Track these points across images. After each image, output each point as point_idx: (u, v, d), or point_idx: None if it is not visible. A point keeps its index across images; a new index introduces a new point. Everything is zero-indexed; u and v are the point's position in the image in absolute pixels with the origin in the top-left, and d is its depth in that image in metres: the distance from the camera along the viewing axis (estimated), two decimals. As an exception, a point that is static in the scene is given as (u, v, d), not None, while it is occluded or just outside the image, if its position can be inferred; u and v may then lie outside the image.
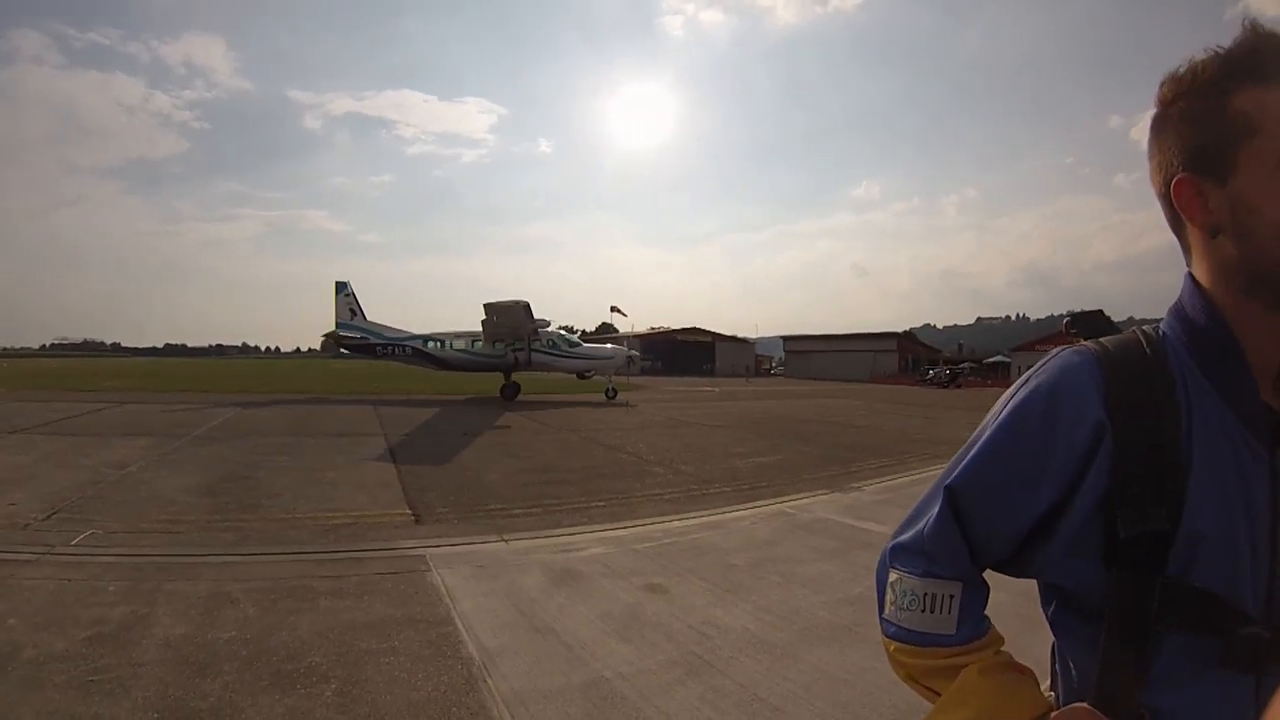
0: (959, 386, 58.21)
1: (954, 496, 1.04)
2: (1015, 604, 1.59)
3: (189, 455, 11.53)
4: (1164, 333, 1.01)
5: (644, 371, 69.77)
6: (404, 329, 29.94)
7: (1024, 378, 1.04)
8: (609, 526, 7.62)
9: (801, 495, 9.60)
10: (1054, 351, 1.03)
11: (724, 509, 8.65)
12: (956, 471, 1.05)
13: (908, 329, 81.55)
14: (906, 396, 39.04)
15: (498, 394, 27.53)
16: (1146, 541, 0.88)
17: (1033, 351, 67.11)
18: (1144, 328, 1.04)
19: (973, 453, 1.04)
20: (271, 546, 6.46)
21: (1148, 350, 0.97)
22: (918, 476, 11.20)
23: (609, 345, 30.27)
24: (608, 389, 28.23)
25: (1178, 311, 1.01)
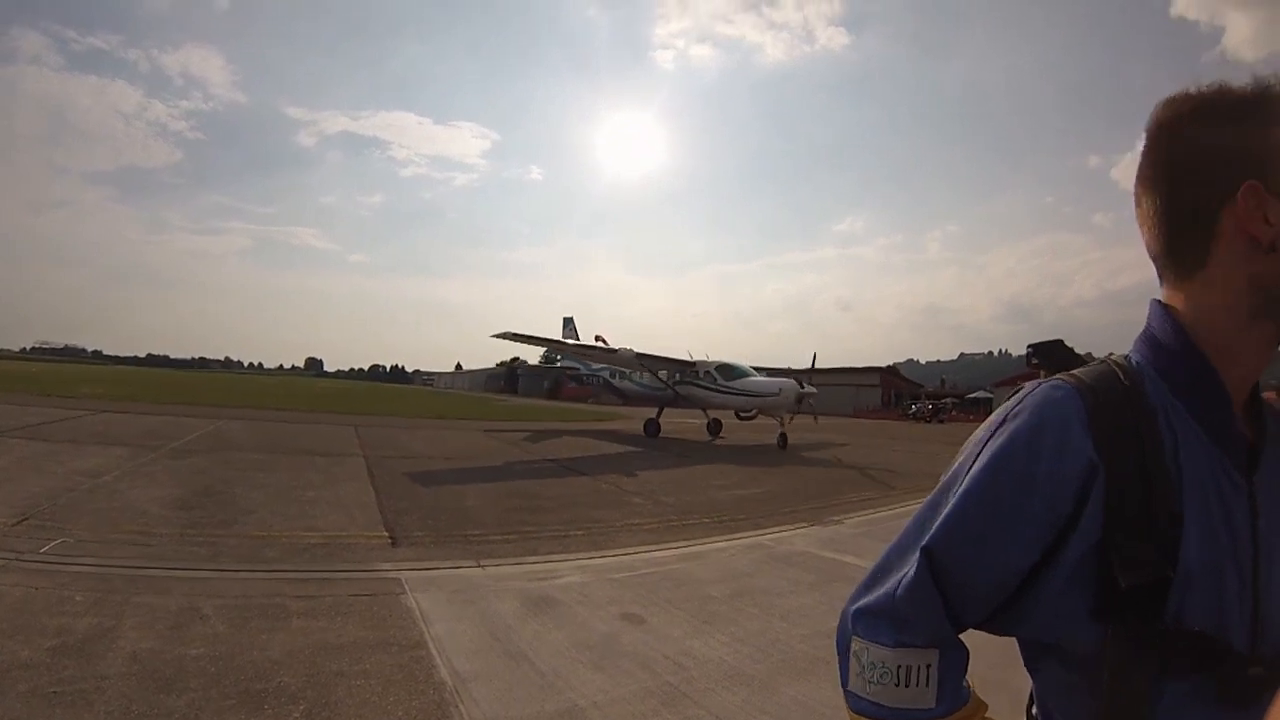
0: (942, 421, 58.60)
1: (932, 558, 0.94)
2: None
3: (165, 467, 11.38)
4: (1136, 362, 0.98)
5: (623, 401, 69.55)
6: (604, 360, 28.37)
7: (997, 416, 0.98)
8: (587, 555, 7.58)
9: (781, 528, 9.59)
10: (1027, 387, 0.98)
11: (703, 540, 8.63)
12: (934, 529, 0.95)
13: (891, 363, 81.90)
14: (890, 431, 39.18)
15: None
16: (1147, 589, 0.83)
17: (1015, 387, 67.94)
18: (1113, 357, 1.01)
19: (951, 506, 0.94)
20: (245, 563, 6.37)
21: (1125, 381, 0.93)
22: (899, 510, 11.24)
23: (778, 379, 24.34)
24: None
25: (1149, 339, 0.99)
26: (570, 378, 31.33)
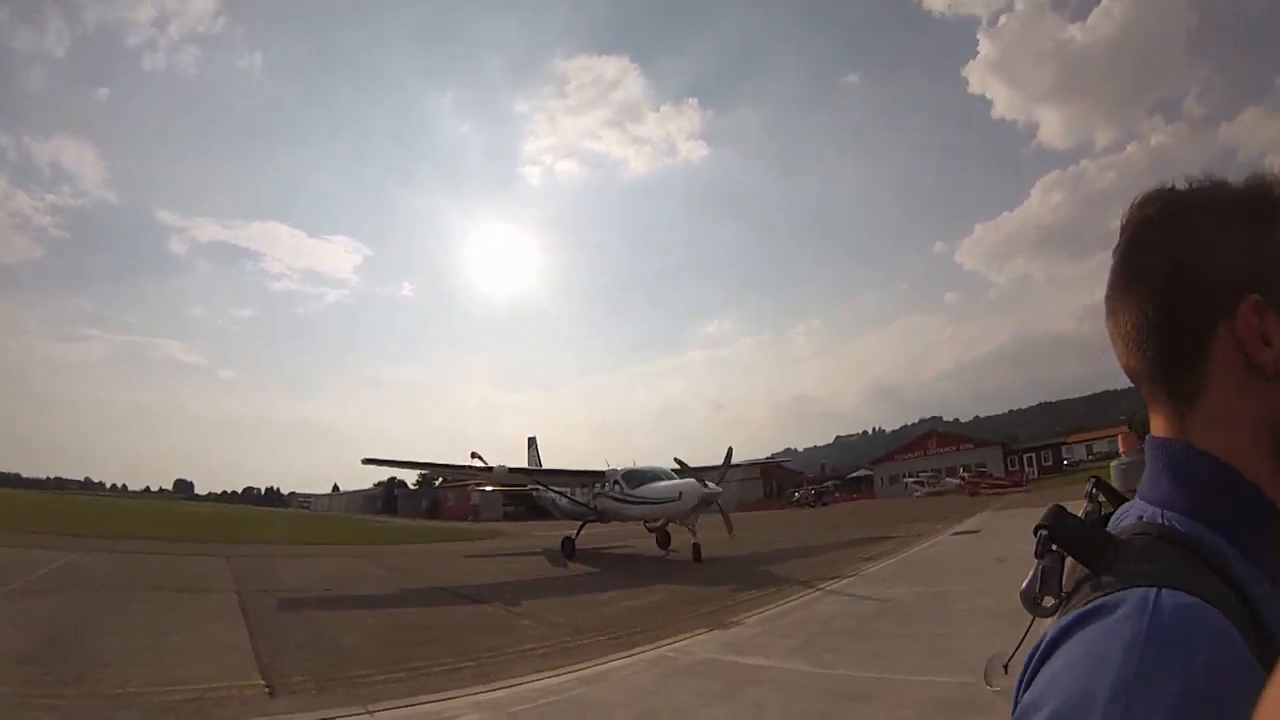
0: (825, 504, 60.24)
1: None
2: None
3: (5, 612, 10.19)
4: (1172, 524, 0.78)
5: (506, 517, 68.07)
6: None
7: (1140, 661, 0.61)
8: (481, 688, 7.25)
9: (680, 636, 9.52)
10: (1139, 602, 0.66)
11: (601, 659, 8.44)
12: None
13: (770, 455, 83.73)
14: (775, 521, 39.68)
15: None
16: None
17: (893, 461, 70.65)
18: (1143, 525, 0.81)
19: None
20: (95, 729, 5.75)
21: (1197, 557, 0.73)
22: (796, 602, 11.36)
23: (679, 481, 20.68)
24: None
25: (1191, 491, 0.80)
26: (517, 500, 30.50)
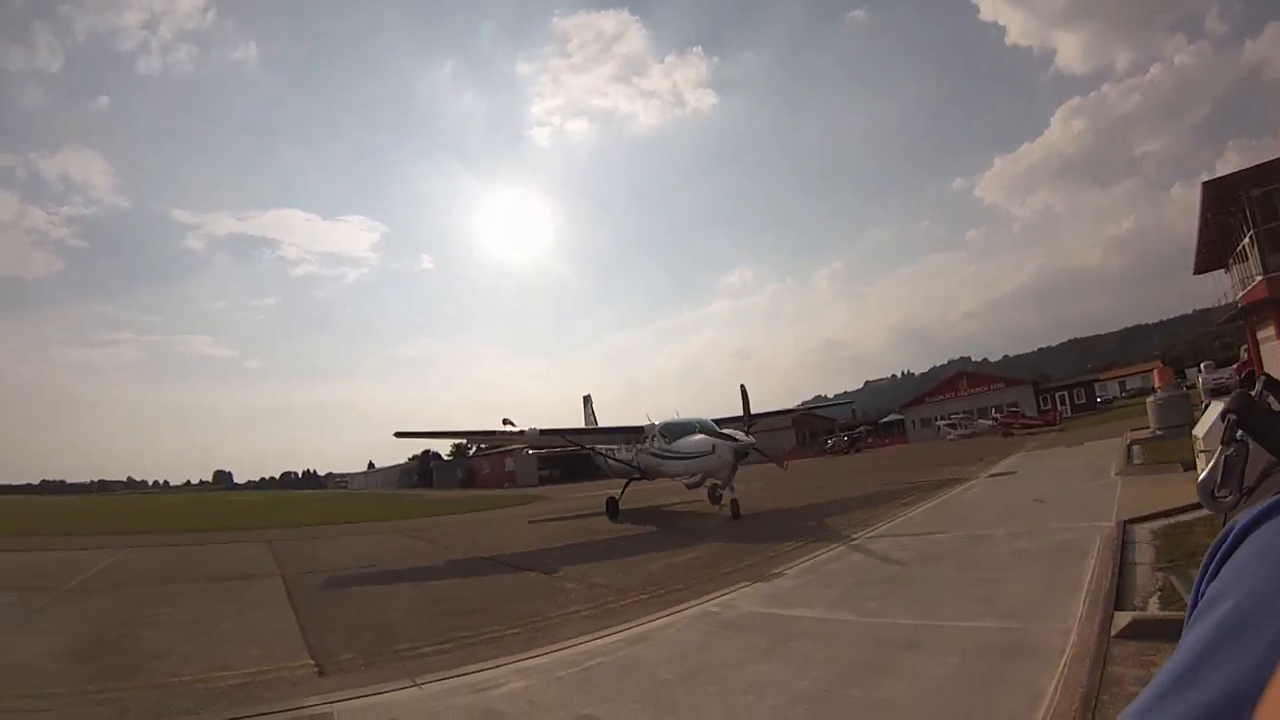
0: (858, 450, 59.97)
1: None
2: None
3: (58, 613, 10.43)
4: None
5: (542, 481, 68.55)
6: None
7: None
8: (527, 655, 7.24)
9: (723, 591, 9.47)
10: None
11: (645, 618, 8.39)
12: None
13: (800, 403, 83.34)
14: (809, 469, 39.63)
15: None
16: None
17: (924, 405, 70.09)
18: None
19: None
20: (155, 719, 5.82)
21: None
22: (836, 552, 11.34)
23: (698, 437, 19.33)
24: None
25: None
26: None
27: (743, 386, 20.04)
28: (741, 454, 18.68)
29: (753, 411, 21.95)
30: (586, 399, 32.58)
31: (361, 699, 6.14)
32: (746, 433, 19.42)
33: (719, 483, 19.57)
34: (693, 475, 20.40)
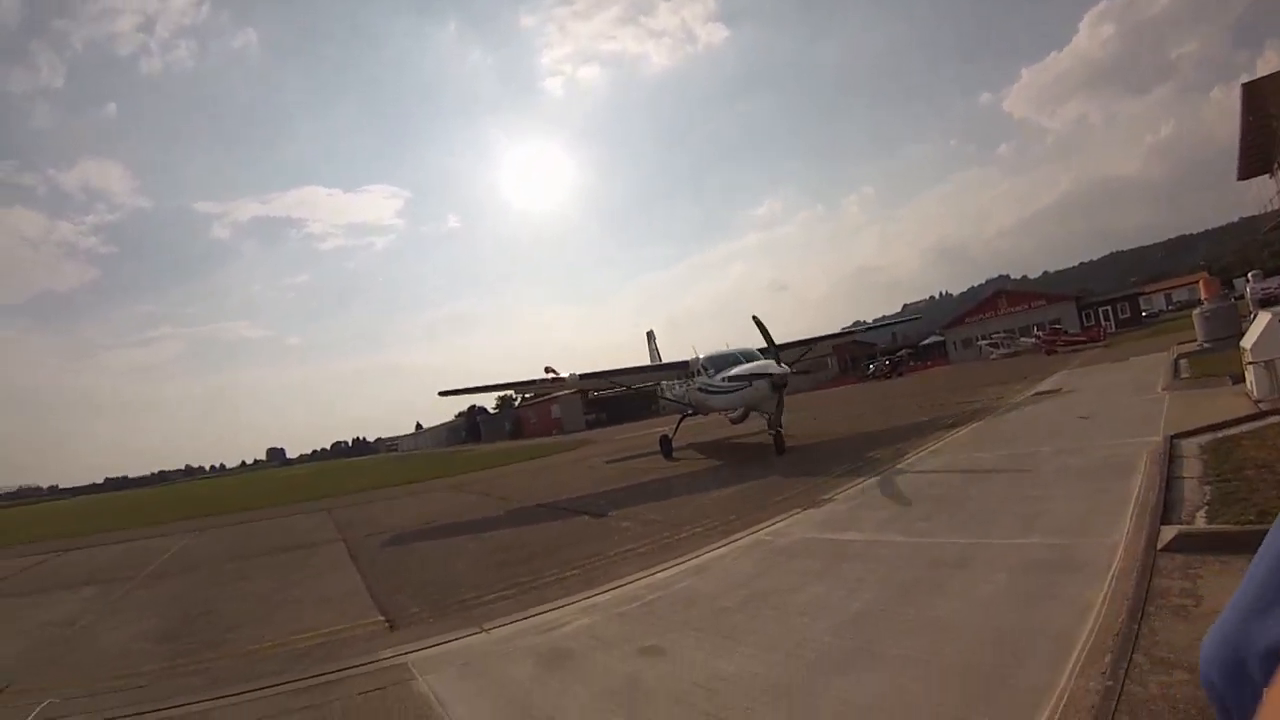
0: (901, 374, 59.51)
1: None
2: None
3: (140, 599, 10.94)
4: None
5: (589, 426, 69.24)
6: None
7: None
8: (590, 593, 7.45)
9: (775, 519, 9.59)
10: None
11: (701, 550, 8.54)
12: None
13: (840, 329, 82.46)
14: (853, 395, 39.50)
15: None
16: None
17: (964, 325, 68.86)
18: None
19: None
20: (243, 684, 6.12)
21: None
22: (885, 475, 11.39)
23: (754, 364, 18.61)
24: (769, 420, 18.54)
25: None
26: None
27: (755, 318, 17.65)
28: (778, 385, 17.52)
29: (793, 341, 21.55)
30: (650, 335, 32.70)
31: (433, 648, 6.38)
32: (780, 363, 18.05)
33: (768, 414, 18.35)
34: (735, 409, 19.72)
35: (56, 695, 6.42)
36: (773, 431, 17.97)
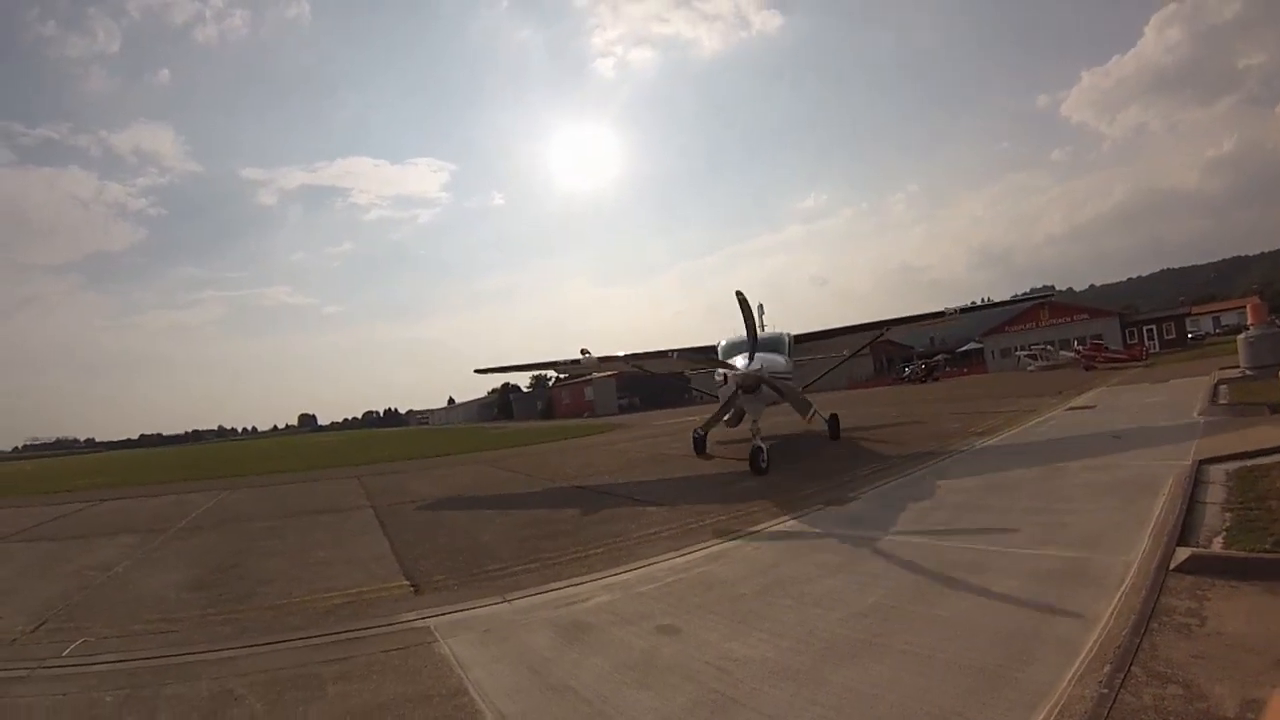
0: (936, 379, 59.10)
1: None
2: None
3: (175, 549, 11.25)
4: None
5: (621, 410, 69.52)
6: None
7: None
8: (611, 572, 7.54)
9: (798, 512, 9.63)
10: None
11: (724, 539, 8.58)
12: None
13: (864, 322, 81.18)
14: (886, 397, 39.19)
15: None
16: None
17: (1004, 333, 67.83)
18: None
19: None
20: (271, 635, 6.29)
21: None
22: (910, 478, 11.37)
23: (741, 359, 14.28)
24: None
25: None
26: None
27: (739, 293, 13.24)
28: (749, 388, 13.78)
29: (808, 331, 19.45)
30: (739, 296, 27.04)
31: (455, 614, 6.49)
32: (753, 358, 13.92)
33: (755, 418, 15.33)
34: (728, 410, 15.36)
35: (91, 635, 6.66)
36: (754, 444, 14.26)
